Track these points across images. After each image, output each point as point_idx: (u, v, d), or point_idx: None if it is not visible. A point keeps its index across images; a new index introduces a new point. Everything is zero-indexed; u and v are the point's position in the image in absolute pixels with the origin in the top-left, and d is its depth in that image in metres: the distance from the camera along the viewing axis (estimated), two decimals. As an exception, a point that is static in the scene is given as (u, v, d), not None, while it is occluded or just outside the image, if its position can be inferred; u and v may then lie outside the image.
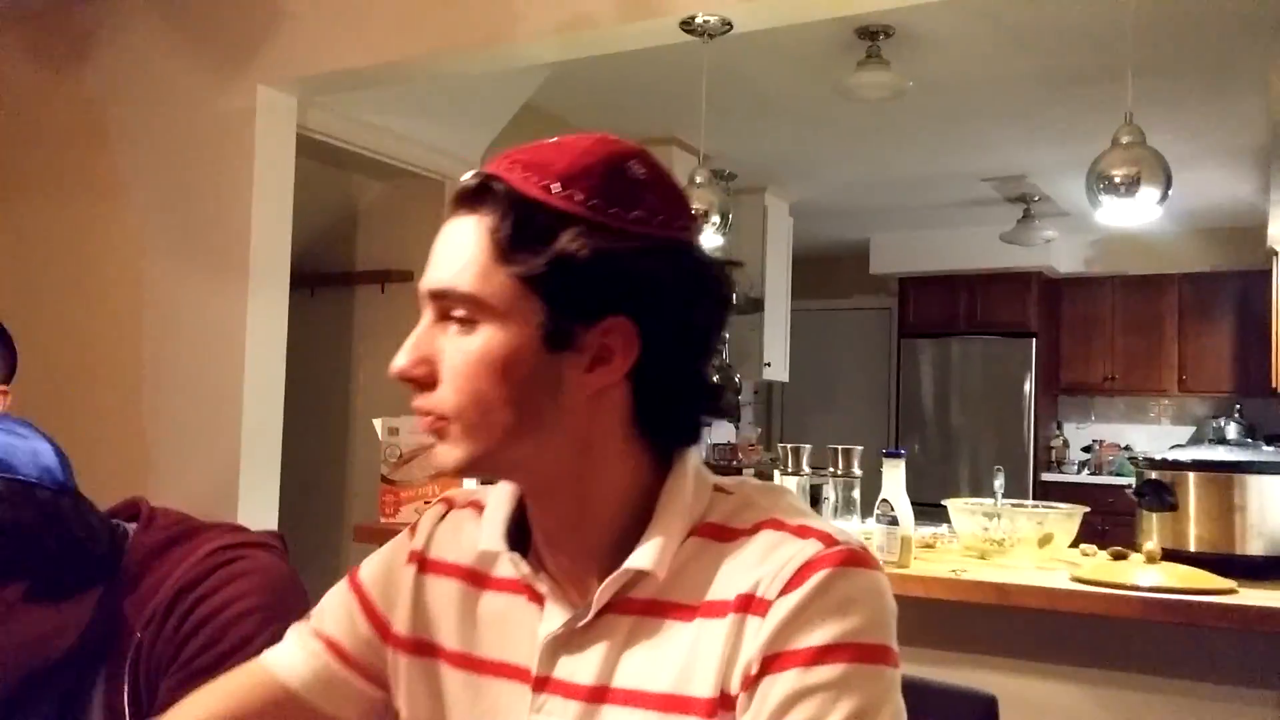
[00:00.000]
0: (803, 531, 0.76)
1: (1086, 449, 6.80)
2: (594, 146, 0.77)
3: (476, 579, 0.86)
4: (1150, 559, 1.80)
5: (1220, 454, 1.96)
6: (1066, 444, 6.91)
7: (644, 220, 0.75)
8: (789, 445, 2.35)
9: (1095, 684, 1.87)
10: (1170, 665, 1.86)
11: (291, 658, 0.90)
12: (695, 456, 0.82)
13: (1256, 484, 1.88)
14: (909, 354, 6.98)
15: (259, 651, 0.97)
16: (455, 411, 0.75)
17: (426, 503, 2.38)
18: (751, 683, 0.70)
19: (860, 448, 2.27)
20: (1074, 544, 2.14)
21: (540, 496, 0.81)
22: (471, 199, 0.76)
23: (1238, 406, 6.04)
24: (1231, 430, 5.73)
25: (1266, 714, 1.79)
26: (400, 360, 0.76)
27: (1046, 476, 6.53)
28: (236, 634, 1.05)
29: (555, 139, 0.79)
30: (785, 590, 0.72)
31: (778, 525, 0.77)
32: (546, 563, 0.82)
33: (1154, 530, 1.96)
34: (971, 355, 6.77)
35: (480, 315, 0.75)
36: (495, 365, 0.75)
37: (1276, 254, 4.99)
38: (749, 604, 0.73)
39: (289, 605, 1.07)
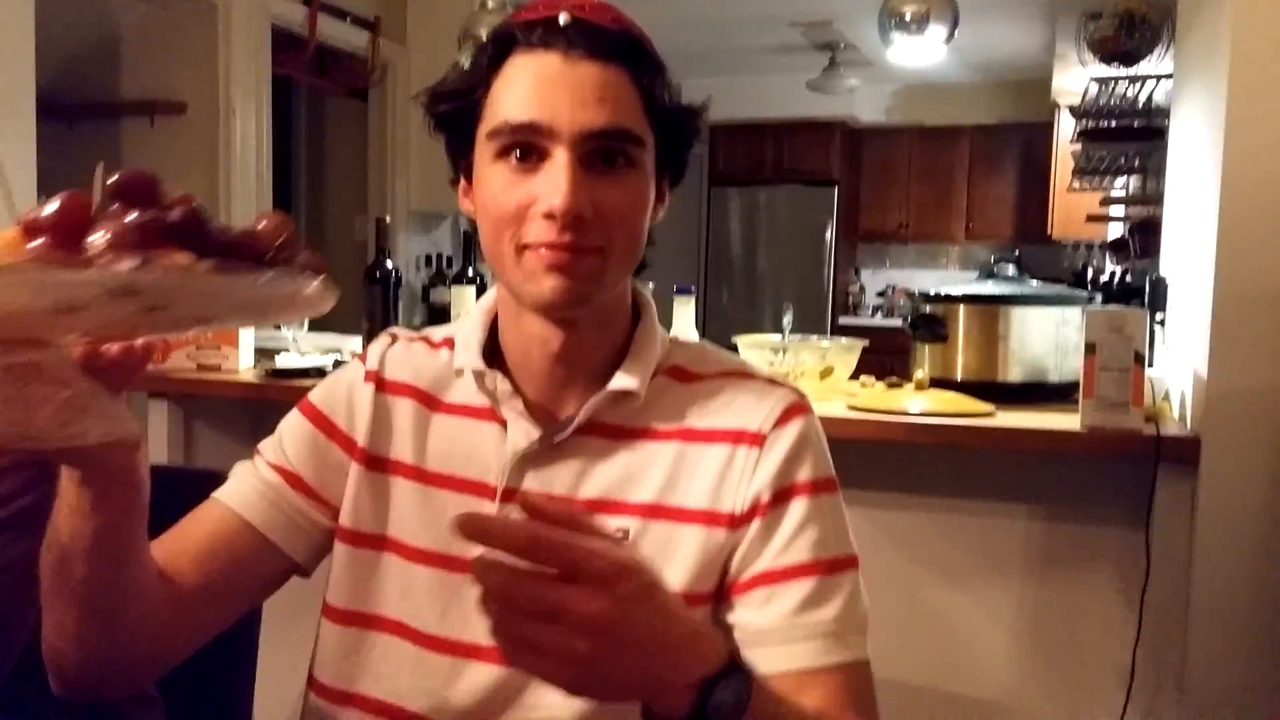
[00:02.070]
0: (773, 382, 0.92)
1: (881, 294, 7.12)
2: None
3: (430, 401, 0.92)
4: (919, 386, 1.88)
5: (988, 288, 2.05)
6: (863, 289, 7.22)
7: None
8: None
9: (871, 506, 1.97)
10: (937, 485, 1.98)
11: (245, 493, 0.90)
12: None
13: (1019, 315, 1.98)
14: (718, 202, 7.05)
15: (26, 508, 0.96)
16: (618, 248, 0.83)
17: (199, 347, 2.24)
18: (765, 509, 0.84)
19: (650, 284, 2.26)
20: (854, 377, 2.22)
21: (579, 324, 0.87)
22: (608, 49, 0.82)
23: (1016, 252, 6.40)
24: (1009, 273, 6.10)
25: (1016, 525, 1.94)
26: (566, 200, 0.79)
27: (843, 320, 6.83)
28: (4, 486, 0.98)
29: None
30: (778, 426, 0.87)
31: (747, 374, 0.92)
32: (521, 386, 0.89)
33: (926, 361, 2.05)
34: (777, 203, 6.90)
35: (638, 159, 0.84)
36: (645, 205, 0.86)
37: (1059, 107, 5.24)
38: (741, 437, 0.86)
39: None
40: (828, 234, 6.75)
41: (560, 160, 0.80)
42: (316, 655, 0.92)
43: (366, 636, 0.88)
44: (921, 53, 2.30)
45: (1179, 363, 1.93)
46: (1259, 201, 1.67)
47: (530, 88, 0.81)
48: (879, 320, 6.91)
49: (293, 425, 0.94)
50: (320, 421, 0.93)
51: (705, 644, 0.66)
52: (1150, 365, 1.98)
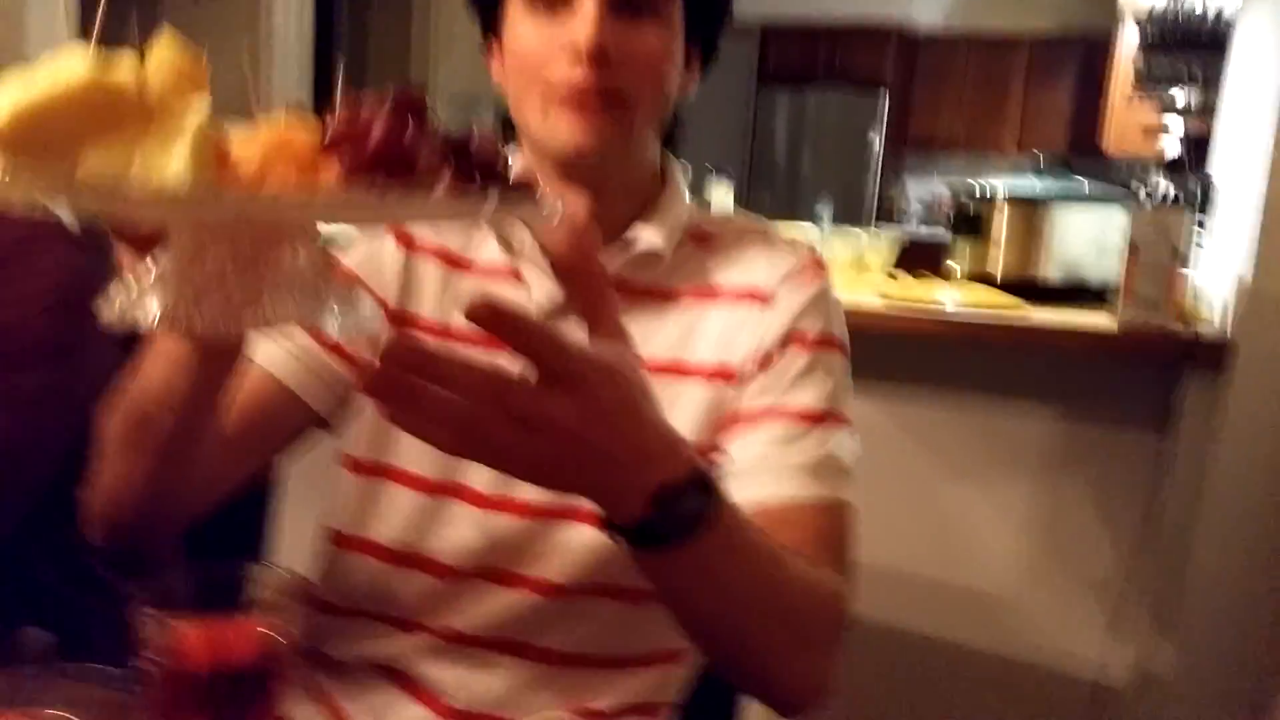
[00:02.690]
0: (793, 243, 0.92)
1: (924, 202, 7.00)
2: None
3: (455, 261, 0.92)
4: (949, 278, 1.87)
5: (1033, 185, 2.01)
6: (907, 197, 7.09)
7: None
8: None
9: (894, 400, 1.97)
10: (964, 382, 1.97)
11: (276, 352, 0.89)
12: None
13: (1061, 213, 1.95)
14: (765, 104, 6.90)
15: (60, 345, 0.98)
16: (643, 99, 0.83)
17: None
18: (768, 360, 0.86)
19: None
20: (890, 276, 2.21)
21: (604, 186, 0.87)
22: None
23: (1068, 164, 6.27)
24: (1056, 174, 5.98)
25: (1039, 424, 1.93)
26: (591, 37, 0.78)
27: (885, 227, 6.73)
28: (38, 325, 0.99)
29: None
30: (789, 282, 0.88)
31: (766, 234, 0.93)
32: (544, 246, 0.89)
33: (966, 257, 2.02)
34: (826, 106, 6.74)
35: (663, 8, 0.83)
36: (672, 59, 0.85)
37: (1122, 19, 5.05)
38: (753, 294, 0.88)
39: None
40: (875, 140, 6.61)
41: (587, 3, 0.80)
42: (334, 505, 0.95)
43: (382, 485, 0.90)
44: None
45: (1222, 269, 1.89)
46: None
47: None
48: (921, 230, 6.81)
49: None
50: (354, 279, 0.93)
51: (675, 455, 0.62)
52: (1189, 267, 1.95)
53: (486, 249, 0.92)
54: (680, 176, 0.95)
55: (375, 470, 0.91)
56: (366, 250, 0.94)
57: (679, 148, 0.98)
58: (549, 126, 0.83)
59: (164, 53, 0.52)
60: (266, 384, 0.88)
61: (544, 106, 0.82)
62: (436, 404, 0.55)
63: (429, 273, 0.92)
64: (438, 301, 0.91)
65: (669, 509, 0.61)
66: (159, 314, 0.53)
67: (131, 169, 0.47)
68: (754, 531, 0.69)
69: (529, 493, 0.86)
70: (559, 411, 0.56)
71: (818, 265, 0.91)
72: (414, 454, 0.89)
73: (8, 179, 0.45)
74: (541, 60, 0.81)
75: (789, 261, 0.89)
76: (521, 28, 0.83)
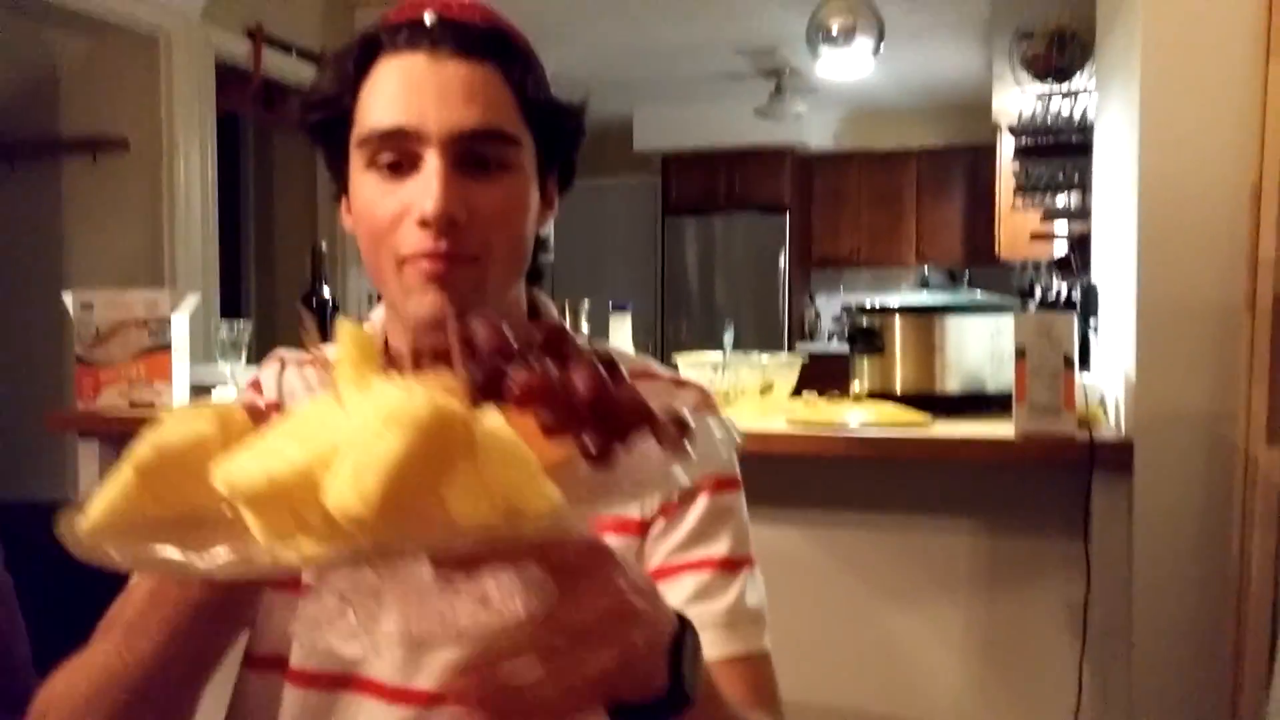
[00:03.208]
0: (678, 382, 0.93)
1: (837, 319, 7.17)
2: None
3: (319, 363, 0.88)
4: (856, 399, 1.89)
5: (923, 298, 2.07)
6: (818, 315, 7.26)
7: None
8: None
9: (812, 524, 1.96)
10: (878, 501, 1.98)
11: None
12: None
13: (954, 325, 2.00)
14: (673, 232, 7.08)
15: None
16: (498, 255, 0.81)
17: (131, 383, 2.19)
18: (671, 508, 0.84)
19: (586, 300, 2.27)
20: (797, 395, 2.22)
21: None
22: (475, 46, 0.80)
23: (966, 273, 6.51)
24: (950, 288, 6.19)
25: (959, 540, 1.94)
26: (438, 204, 0.77)
27: (800, 346, 6.86)
28: None
29: None
30: None
31: (651, 374, 0.92)
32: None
33: (865, 374, 2.05)
34: (732, 231, 6.94)
35: (513, 160, 0.81)
36: (525, 209, 0.83)
37: (1000, 128, 5.32)
38: None
39: None
40: (781, 260, 6.80)
41: (431, 165, 0.78)
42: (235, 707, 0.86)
43: (339, 699, 0.82)
44: (849, 66, 2.33)
45: (1112, 370, 1.95)
46: (1176, 210, 1.70)
47: (396, 91, 0.79)
48: (835, 345, 6.95)
49: None
50: None
51: (662, 603, 0.57)
52: (1086, 370, 2.00)
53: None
54: (553, 312, 0.94)
55: (270, 665, 0.84)
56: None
57: (549, 279, 0.96)
58: (403, 293, 0.80)
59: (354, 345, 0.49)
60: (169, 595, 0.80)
61: (396, 271, 0.80)
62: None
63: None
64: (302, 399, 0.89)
65: (681, 662, 0.56)
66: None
67: (492, 500, 0.43)
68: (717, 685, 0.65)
69: (428, 682, 0.80)
70: (597, 602, 0.51)
71: (708, 405, 0.91)
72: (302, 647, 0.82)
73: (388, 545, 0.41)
74: (388, 225, 0.79)
75: (679, 403, 0.88)
76: (365, 189, 0.81)
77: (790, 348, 6.75)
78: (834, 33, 2.23)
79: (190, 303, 2.18)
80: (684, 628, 0.57)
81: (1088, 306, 2.08)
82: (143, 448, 0.46)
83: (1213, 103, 1.68)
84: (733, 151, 6.84)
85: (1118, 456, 1.69)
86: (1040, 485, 1.85)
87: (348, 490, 0.40)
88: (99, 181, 3.84)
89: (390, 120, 0.78)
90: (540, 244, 0.90)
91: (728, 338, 2.24)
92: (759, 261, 6.83)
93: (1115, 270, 1.97)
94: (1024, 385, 1.72)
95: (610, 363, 0.52)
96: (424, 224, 0.77)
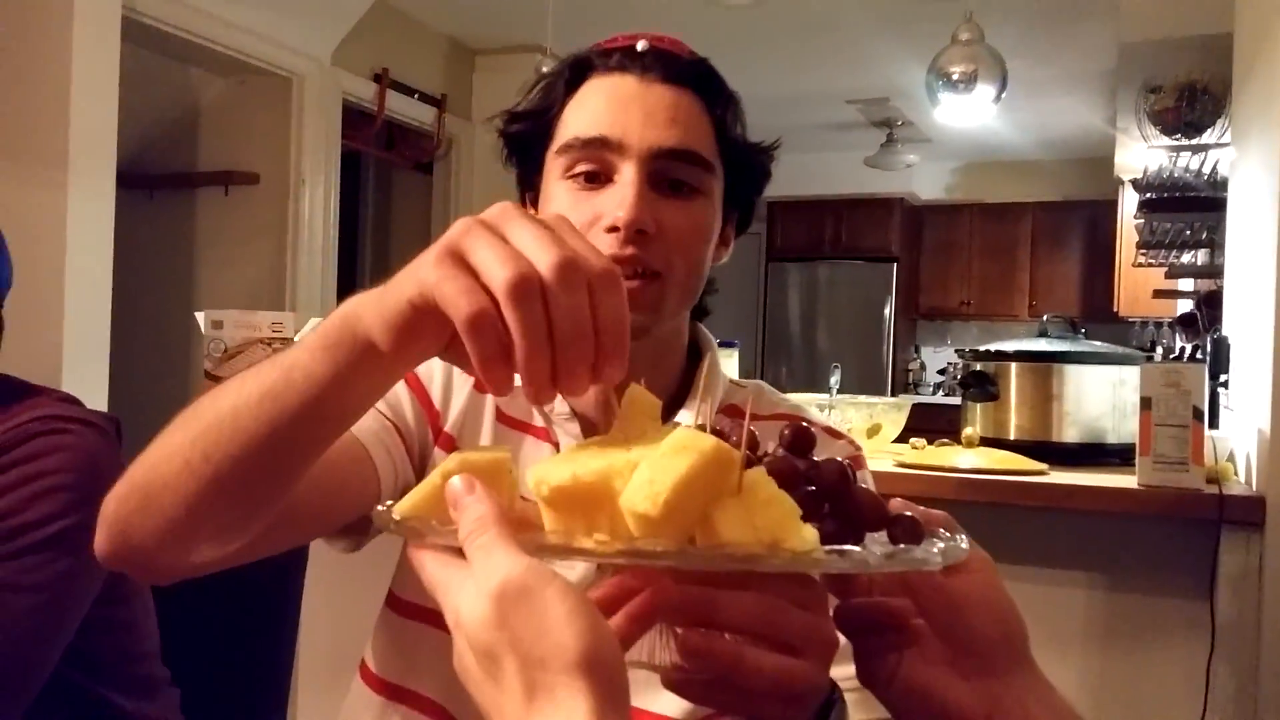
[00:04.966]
0: (831, 432, 0.93)
1: (941, 371, 7.03)
2: None
3: (498, 412, 0.90)
4: (969, 443, 1.84)
5: (1040, 345, 2.01)
6: (923, 366, 7.13)
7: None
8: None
9: (919, 570, 1.91)
10: (990, 549, 1.91)
11: (368, 424, 0.83)
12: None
13: (1074, 373, 1.94)
14: (776, 277, 7.06)
15: (60, 532, 0.95)
16: (678, 275, 0.83)
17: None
18: None
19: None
20: (903, 440, 2.18)
21: (634, 356, 0.86)
22: (682, 75, 0.84)
23: (1083, 330, 6.30)
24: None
25: (1075, 593, 1.86)
26: (631, 212, 0.79)
27: (903, 397, 6.73)
28: (41, 508, 0.98)
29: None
30: None
31: (799, 419, 0.91)
32: (578, 411, 0.88)
33: (977, 420, 2.01)
34: (836, 280, 6.89)
35: (705, 186, 0.84)
36: (709, 234, 0.86)
37: (1123, 183, 5.19)
38: None
39: (106, 489, 0.99)
40: (887, 310, 6.71)
41: (628, 176, 0.80)
42: (374, 645, 0.91)
43: (424, 632, 0.86)
44: (969, 112, 2.31)
45: (1244, 425, 1.86)
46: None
47: (603, 105, 0.83)
48: (940, 398, 6.80)
49: (394, 393, 0.88)
50: (416, 386, 0.89)
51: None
52: (1215, 427, 1.92)
53: (520, 405, 0.90)
54: (714, 350, 0.94)
55: (427, 618, 0.86)
56: (440, 370, 0.91)
57: (705, 310, 0.98)
58: None
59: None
60: (356, 451, 0.81)
61: None
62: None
63: (487, 414, 0.90)
64: (460, 417, 0.89)
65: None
66: None
67: (756, 532, 0.49)
68: None
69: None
70: (823, 625, 0.54)
71: (858, 459, 0.90)
72: None
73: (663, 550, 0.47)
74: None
75: (828, 452, 0.87)
76: (559, 197, 0.84)
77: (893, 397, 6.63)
78: (955, 78, 2.21)
79: (311, 325, 2.26)
80: (834, 694, 0.58)
81: (1218, 360, 2.00)
82: (449, 462, 0.52)
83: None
84: (840, 200, 6.81)
85: (1248, 513, 1.61)
86: (1164, 541, 1.77)
87: (641, 494, 0.47)
88: (230, 212, 4.03)
89: (595, 130, 0.82)
90: (709, 283, 0.92)
91: (834, 378, 2.22)
92: (864, 310, 6.76)
93: (1249, 325, 1.89)
94: (1149, 437, 1.66)
95: (850, 465, 0.56)
96: (613, 230, 0.80)
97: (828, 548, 0.49)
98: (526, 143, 0.89)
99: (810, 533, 0.49)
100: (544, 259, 0.48)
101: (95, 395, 3.05)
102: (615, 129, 0.81)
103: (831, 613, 0.57)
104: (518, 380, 0.88)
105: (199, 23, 3.52)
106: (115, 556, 0.66)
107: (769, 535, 0.48)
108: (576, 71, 0.86)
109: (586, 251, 0.50)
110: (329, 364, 0.56)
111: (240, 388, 0.59)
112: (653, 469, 0.47)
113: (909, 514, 0.56)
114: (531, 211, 0.58)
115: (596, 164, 0.82)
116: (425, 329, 0.52)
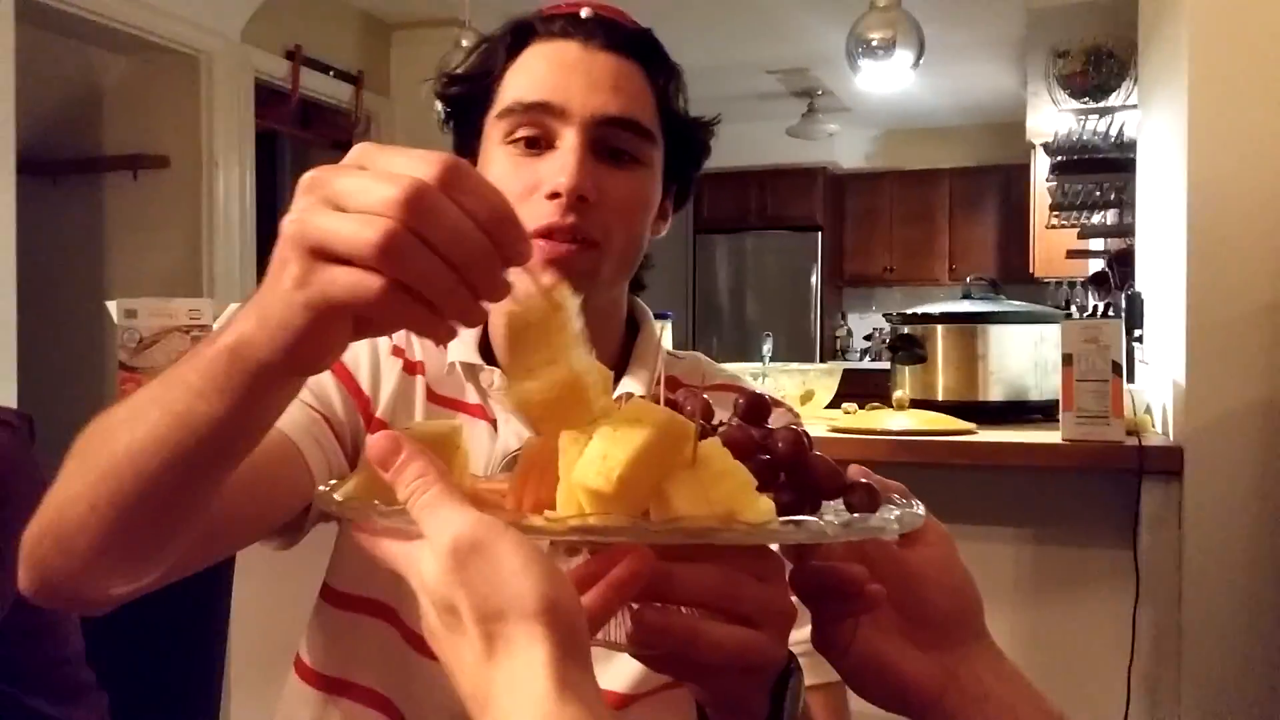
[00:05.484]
0: (771, 400, 0.95)
1: (868, 337, 7.14)
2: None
3: (429, 391, 0.88)
4: (899, 406, 1.87)
5: (964, 307, 2.05)
6: (850, 333, 7.23)
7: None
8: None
9: (854, 532, 1.94)
10: (926, 507, 1.95)
11: (296, 417, 0.81)
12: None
13: (997, 333, 1.98)
14: (704, 249, 7.09)
15: None
16: (616, 244, 0.82)
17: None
18: None
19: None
20: (834, 406, 2.21)
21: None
22: (625, 43, 0.83)
23: (1000, 293, 6.46)
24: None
25: (1005, 548, 1.91)
26: (573, 178, 0.78)
27: (833, 364, 6.83)
28: None
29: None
30: None
31: (741, 389, 0.92)
32: None
33: (906, 383, 2.04)
34: (763, 250, 6.94)
35: (646, 156, 0.84)
36: (649, 205, 0.85)
37: (1034, 147, 5.30)
38: None
39: (19, 490, 0.98)
40: (813, 279, 6.79)
41: (570, 142, 0.80)
42: (309, 639, 0.89)
43: (361, 622, 0.84)
44: (889, 78, 2.33)
45: (1159, 378, 1.92)
46: (1225, 216, 1.68)
47: (545, 70, 0.82)
48: (867, 363, 6.92)
49: (320, 382, 0.86)
50: (342, 374, 0.87)
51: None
52: (1131, 381, 1.98)
53: (451, 383, 0.88)
54: (652, 322, 0.94)
55: (364, 608, 0.84)
56: (355, 347, 0.87)
57: (642, 284, 0.97)
58: (517, 270, 0.80)
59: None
60: (285, 449, 0.79)
61: None
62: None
63: (419, 395, 0.88)
64: (391, 401, 0.87)
65: (784, 697, 0.57)
66: None
67: (710, 504, 0.48)
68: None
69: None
70: (779, 596, 0.54)
71: (796, 425, 0.90)
72: (401, 596, 0.81)
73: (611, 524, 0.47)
74: (515, 199, 0.78)
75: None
76: (499, 162, 0.82)
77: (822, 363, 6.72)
78: (874, 44, 2.23)
79: (230, 312, 2.20)
80: (791, 664, 0.58)
81: (1132, 316, 2.06)
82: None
83: (1261, 108, 1.67)
84: (764, 170, 6.85)
85: (1167, 462, 1.67)
86: (1088, 493, 1.82)
87: (594, 469, 0.46)
88: (139, 197, 3.90)
89: (537, 94, 0.81)
90: (645, 258, 0.91)
91: (767, 346, 2.23)
92: (791, 279, 6.83)
93: (1162, 279, 1.95)
94: (1071, 392, 1.70)
95: (804, 433, 0.56)
96: (554, 197, 0.79)
97: (783, 519, 0.49)
98: (465, 106, 0.88)
99: (766, 504, 0.48)
100: (422, 169, 0.44)
101: (4, 390, 2.94)
102: (558, 94, 0.81)
103: (787, 576, 0.57)
104: (460, 358, 0.86)
105: (98, 0, 3.38)
106: (39, 595, 0.64)
107: (724, 508, 0.48)
108: (518, 36, 0.85)
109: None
110: (229, 403, 0.51)
111: (131, 430, 0.55)
112: (606, 443, 0.47)
113: (865, 481, 0.56)
114: None
115: (538, 129, 0.81)
116: (332, 320, 0.48)
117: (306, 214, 0.46)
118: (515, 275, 0.49)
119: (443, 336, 0.48)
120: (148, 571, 0.63)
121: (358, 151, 0.47)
